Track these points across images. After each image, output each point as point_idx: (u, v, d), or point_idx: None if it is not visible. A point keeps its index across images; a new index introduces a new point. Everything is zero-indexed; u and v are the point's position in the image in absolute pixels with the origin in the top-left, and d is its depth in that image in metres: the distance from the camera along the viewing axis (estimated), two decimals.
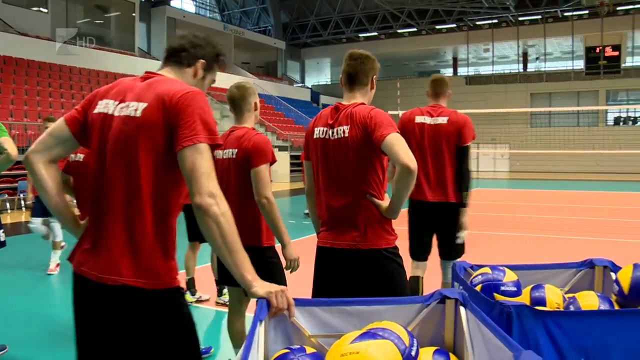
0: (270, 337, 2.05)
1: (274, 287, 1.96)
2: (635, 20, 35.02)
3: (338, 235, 2.86)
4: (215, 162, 3.67)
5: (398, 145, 2.65)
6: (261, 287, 1.94)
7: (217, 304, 5.96)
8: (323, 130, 2.93)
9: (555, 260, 2.80)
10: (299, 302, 2.07)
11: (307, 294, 2.75)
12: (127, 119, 1.96)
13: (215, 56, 2.25)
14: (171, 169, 1.96)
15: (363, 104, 2.91)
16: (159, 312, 1.95)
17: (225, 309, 5.71)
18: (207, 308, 5.94)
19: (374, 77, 3.04)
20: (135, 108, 1.96)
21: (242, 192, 3.55)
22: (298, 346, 2.01)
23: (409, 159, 2.60)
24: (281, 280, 3.54)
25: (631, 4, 34.43)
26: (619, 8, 34.98)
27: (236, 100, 3.74)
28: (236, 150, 3.57)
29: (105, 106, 2.04)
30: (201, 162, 1.88)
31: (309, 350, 1.99)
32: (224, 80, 33.74)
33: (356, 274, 2.76)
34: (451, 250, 4.44)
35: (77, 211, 3.85)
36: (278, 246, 3.57)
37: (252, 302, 2.03)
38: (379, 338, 1.72)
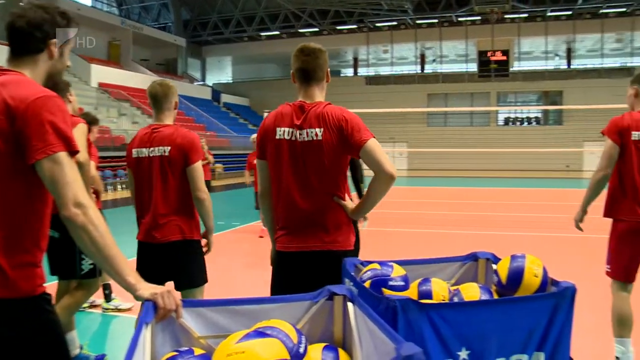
0: (158, 340, 1.99)
1: (159, 288, 1.90)
2: (521, 28, 37.14)
3: (305, 238, 2.80)
4: (137, 160, 3.65)
5: (379, 152, 2.65)
6: (146, 289, 1.89)
7: (105, 309, 5.67)
8: (289, 131, 2.79)
9: (446, 254, 2.91)
10: (187, 303, 2.03)
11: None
12: None
13: (64, 22, 2.02)
14: (22, 177, 1.84)
15: (330, 103, 2.84)
16: (15, 323, 1.84)
17: (117, 314, 5.56)
18: (98, 313, 5.69)
19: (328, 70, 2.96)
20: None
21: (173, 188, 3.61)
22: (186, 348, 1.97)
23: (391, 167, 2.62)
24: (203, 273, 3.78)
25: (517, 13, 36.51)
26: (507, 16, 37.02)
27: (159, 98, 3.72)
28: (169, 147, 3.57)
29: None
30: (60, 173, 1.79)
31: (198, 351, 1.95)
32: (121, 77, 32.78)
33: (326, 276, 2.53)
34: None
35: None
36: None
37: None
38: (266, 337, 1.71)
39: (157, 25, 42.56)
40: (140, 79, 33.66)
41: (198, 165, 3.59)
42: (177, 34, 41.93)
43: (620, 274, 3.85)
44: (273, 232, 3.01)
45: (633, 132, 3.79)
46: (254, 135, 10.72)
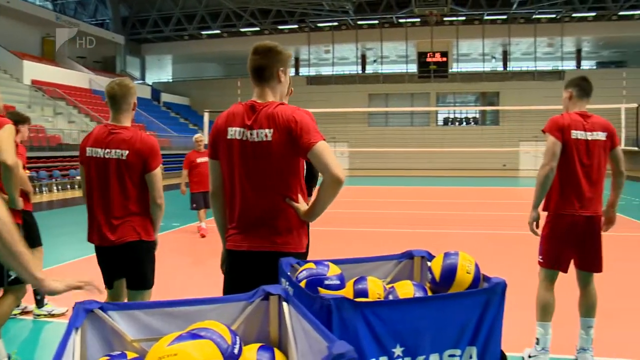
0: (89, 345, 1.95)
1: (74, 280, 1.98)
2: (459, 31, 38.01)
3: (256, 238, 2.76)
4: (90, 160, 3.59)
5: (327, 155, 2.61)
6: (60, 281, 1.92)
7: (37, 315, 5.45)
8: (240, 131, 2.75)
9: (384, 253, 2.94)
10: (119, 306, 2.00)
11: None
12: None
13: None
14: None
15: (283, 103, 2.79)
16: None
17: (51, 320, 5.37)
18: (29, 320, 5.47)
19: (282, 69, 2.86)
20: None
21: (131, 192, 3.64)
22: (119, 352, 1.93)
23: (339, 170, 2.60)
24: (153, 275, 3.84)
25: (455, 16, 37.38)
26: (446, 19, 37.84)
27: (117, 98, 3.71)
28: (127, 152, 3.59)
29: None
30: None
31: (131, 355, 1.92)
32: (56, 75, 31.73)
33: (275, 277, 2.59)
34: None
35: None
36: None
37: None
38: (199, 338, 1.70)
39: (94, 21, 41.43)
40: (77, 77, 32.73)
41: (157, 172, 3.64)
42: (115, 31, 40.93)
43: (553, 264, 4.13)
44: (224, 232, 2.96)
45: (572, 131, 4.04)
46: (198, 135, 10.83)
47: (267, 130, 2.69)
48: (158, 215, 3.78)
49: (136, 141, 3.62)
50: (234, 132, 2.77)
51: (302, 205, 2.81)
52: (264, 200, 2.75)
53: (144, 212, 3.72)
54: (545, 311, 4.14)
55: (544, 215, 4.20)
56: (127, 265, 3.75)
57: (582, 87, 4.26)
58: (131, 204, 3.65)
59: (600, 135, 4.12)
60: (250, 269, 2.78)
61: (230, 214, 2.88)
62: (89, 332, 1.94)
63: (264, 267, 2.71)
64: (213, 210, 3.05)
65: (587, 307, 4.15)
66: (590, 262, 4.12)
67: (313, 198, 2.77)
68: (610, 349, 4.52)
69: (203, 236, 10.33)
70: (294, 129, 2.65)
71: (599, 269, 4.12)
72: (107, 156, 3.62)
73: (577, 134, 4.05)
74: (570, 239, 4.06)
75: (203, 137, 10.62)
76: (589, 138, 4.07)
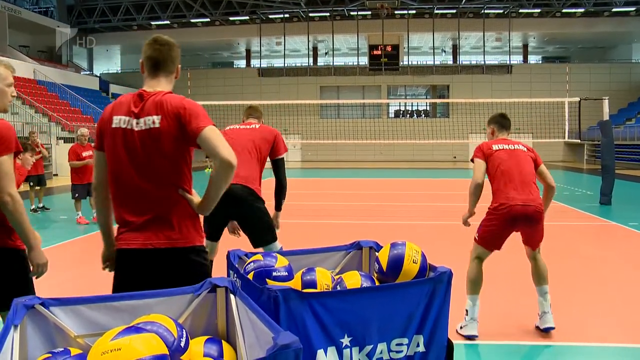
0: (29, 343, 1.90)
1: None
2: (410, 24, 38.37)
3: (149, 234, 2.59)
4: None
5: (216, 139, 2.52)
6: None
7: None
8: (125, 120, 2.65)
9: (333, 244, 2.96)
10: (61, 302, 1.95)
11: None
12: None
13: None
14: None
15: (171, 92, 2.72)
16: None
17: None
18: None
19: (179, 66, 2.88)
20: None
21: None
22: (62, 349, 1.89)
23: (228, 153, 2.48)
24: (28, 287, 3.07)
25: (406, 10, 37.74)
26: (396, 12, 38.15)
27: None
28: None
29: None
30: None
31: (74, 351, 1.88)
32: None
33: (171, 274, 2.53)
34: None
35: None
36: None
37: None
38: (144, 332, 1.68)
39: (37, 9, 40.09)
40: (20, 67, 31.65)
41: (2, 160, 2.87)
42: (60, 19, 39.69)
43: (487, 244, 4.81)
44: (106, 228, 2.85)
45: (493, 145, 4.91)
46: (84, 129, 11.36)
47: (154, 117, 2.60)
48: (11, 217, 2.90)
49: None
50: (118, 120, 2.67)
51: (196, 197, 2.71)
52: (156, 191, 2.62)
53: None
54: (474, 285, 4.74)
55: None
56: None
57: (501, 123, 5.13)
58: None
59: (522, 147, 4.94)
60: (144, 267, 2.61)
61: (117, 209, 2.72)
62: (30, 329, 1.89)
63: (159, 265, 2.59)
64: (96, 204, 2.87)
65: (539, 277, 4.81)
66: (529, 241, 4.88)
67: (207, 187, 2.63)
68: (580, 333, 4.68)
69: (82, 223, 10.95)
70: (182, 115, 2.58)
71: (536, 246, 4.91)
72: None
73: (498, 147, 4.87)
74: (505, 226, 4.71)
75: (87, 132, 11.37)
76: (510, 148, 4.88)
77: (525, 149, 4.91)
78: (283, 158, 4.96)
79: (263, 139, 4.82)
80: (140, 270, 2.61)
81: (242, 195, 4.48)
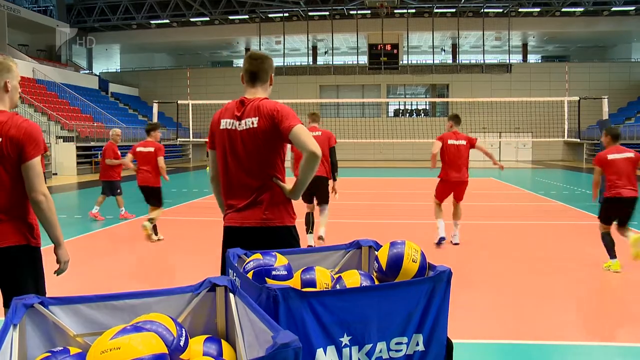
0: (29, 342, 1.90)
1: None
2: (409, 23, 38.34)
3: (246, 215, 3.16)
4: None
5: (304, 135, 3.04)
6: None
7: None
8: (230, 122, 3.22)
9: (333, 243, 2.97)
10: (61, 301, 1.95)
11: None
12: None
13: None
14: None
15: (267, 98, 3.25)
16: None
17: None
18: None
19: (272, 74, 3.39)
20: None
21: (10, 188, 2.97)
22: (61, 348, 1.89)
23: (315, 146, 2.99)
24: (44, 284, 3.14)
25: (406, 9, 37.70)
26: (396, 11, 38.11)
27: None
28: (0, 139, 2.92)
29: None
30: None
31: (74, 351, 1.88)
32: None
33: (264, 246, 2.86)
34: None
35: None
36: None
37: None
38: (143, 331, 1.67)
39: (36, 8, 39.98)
40: (19, 66, 31.55)
41: (36, 162, 2.97)
42: (60, 18, 39.61)
43: (439, 198, 8.83)
44: (223, 211, 3.38)
45: (447, 140, 8.64)
46: (117, 129, 11.95)
47: (253, 119, 3.15)
48: (43, 215, 2.98)
49: (12, 126, 2.94)
50: (225, 123, 3.24)
51: (287, 184, 3.24)
52: (254, 180, 3.17)
53: (27, 212, 3.08)
54: (438, 212, 8.78)
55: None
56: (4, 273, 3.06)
57: (456, 121, 8.88)
58: (17, 205, 3.03)
59: (463, 142, 8.64)
60: (244, 242, 3.01)
61: (225, 195, 3.30)
62: (29, 328, 1.89)
63: (256, 240, 3.11)
64: (214, 192, 3.51)
65: (456, 216, 8.81)
66: (457, 197, 8.82)
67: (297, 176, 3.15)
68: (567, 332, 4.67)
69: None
70: (276, 116, 3.10)
71: (459, 200, 8.83)
72: None
73: (450, 141, 8.59)
74: (447, 189, 8.72)
75: (121, 132, 12.12)
76: (456, 143, 8.59)
77: (464, 142, 8.68)
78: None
79: (327, 139, 8.10)
80: (239, 244, 2.95)
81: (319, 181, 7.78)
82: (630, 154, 7.06)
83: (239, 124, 3.18)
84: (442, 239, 8.40)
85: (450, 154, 8.47)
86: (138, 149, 9.42)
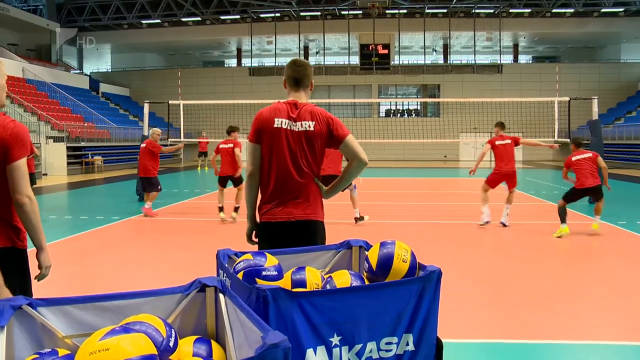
0: (17, 344, 1.88)
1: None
2: (400, 24, 38.39)
3: (291, 210, 3.38)
4: None
5: (356, 144, 3.45)
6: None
7: None
8: (286, 122, 3.42)
9: (331, 242, 2.98)
10: (50, 302, 1.94)
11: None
12: None
13: None
14: None
15: (316, 105, 3.52)
16: None
17: None
18: None
19: (312, 80, 3.67)
20: None
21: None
22: (49, 349, 1.88)
23: (365, 156, 3.44)
24: (30, 286, 3.08)
25: (397, 9, 37.76)
26: (387, 11, 38.15)
27: None
28: None
29: None
30: None
31: (62, 352, 1.87)
32: None
33: (304, 238, 3.31)
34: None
35: None
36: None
37: None
38: (132, 332, 1.67)
39: (25, 7, 39.71)
40: (9, 66, 31.39)
41: (20, 163, 2.90)
42: (50, 17, 39.35)
43: (491, 185, 10.33)
44: (253, 208, 3.57)
45: (495, 142, 10.24)
46: (157, 129, 12.43)
47: (310, 122, 3.43)
48: (27, 218, 2.92)
49: None
50: (280, 122, 3.43)
51: (324, 186, 3.56)
52: (301, 178, 3.42)
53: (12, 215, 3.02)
54: (485, 199, 10.38)
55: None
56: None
57: (501, 126, 10.87)
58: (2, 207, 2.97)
59: (508, 141, 10.61)
60: (287, 236, 3.35)
61: (264, 191, 3.49)
62: (17, 330, 1.87)
63: (299, 233, 3.38)
64: (249, 187, 3.56)
65: (509, 201, 10.44)
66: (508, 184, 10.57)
67: (338, 178, 3.55)
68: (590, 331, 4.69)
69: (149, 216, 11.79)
70: (331, 124, 3.46)
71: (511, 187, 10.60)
72: None
73: (498, 142, 10.49)
74: (499, 178, 10.53)
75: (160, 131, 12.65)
76: (503, 143, 10.56)
77: (509, 142, 10.59)
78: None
79: None
80: (284, 239, 3.33)
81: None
82: (589, 154, 9.62)
83: (294, 125, 3.42)
84: (487, 222, 10.35)
85: (499, 152, 10.58)
86: (221, 146, 11.38)
